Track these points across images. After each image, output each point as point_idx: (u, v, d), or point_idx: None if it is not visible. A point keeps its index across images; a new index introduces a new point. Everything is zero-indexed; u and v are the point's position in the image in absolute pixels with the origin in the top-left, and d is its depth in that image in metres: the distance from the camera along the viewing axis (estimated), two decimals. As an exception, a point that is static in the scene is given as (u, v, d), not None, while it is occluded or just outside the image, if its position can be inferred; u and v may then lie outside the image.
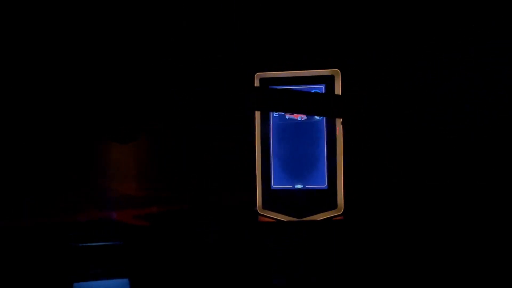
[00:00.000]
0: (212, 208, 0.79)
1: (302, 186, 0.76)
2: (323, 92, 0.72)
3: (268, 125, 0.77)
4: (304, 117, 0.72)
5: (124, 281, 0.70)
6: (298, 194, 0.75)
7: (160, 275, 0.73)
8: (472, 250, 0.94)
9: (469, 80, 1.01)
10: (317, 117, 0.73)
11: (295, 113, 0.70)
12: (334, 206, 0.76)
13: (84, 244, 0.73)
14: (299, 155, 0.76)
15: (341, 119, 0.71)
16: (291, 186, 0.76)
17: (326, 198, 0.75)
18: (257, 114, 0.76)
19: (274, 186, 0.77)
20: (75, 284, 0.72)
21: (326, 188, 0.76)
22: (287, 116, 0.74)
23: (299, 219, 0.74)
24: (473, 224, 0.96)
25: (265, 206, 0.75)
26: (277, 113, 0.74)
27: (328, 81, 0.75)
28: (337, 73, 0.76)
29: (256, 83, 0.75)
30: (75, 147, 0.99)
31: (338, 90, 0.72)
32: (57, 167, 0.96)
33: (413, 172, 1.03)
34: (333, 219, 0.74)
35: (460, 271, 0.92)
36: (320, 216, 0.74)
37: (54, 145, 1.00)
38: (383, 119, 1.06)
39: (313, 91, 0.74)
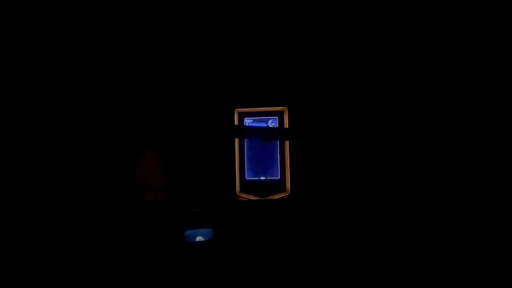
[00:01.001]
0: (205, 193, 1.11)
1: (264, 178, 1.13)
2: (277, 121, 1.13)
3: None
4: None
5: (209, 230, 1.04)
6: (262, 183, 1.13)
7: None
8: (467, 249, 0.94)
9: (469, 80, 1.01)
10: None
11: (259, 139, 1.13)
12: (284, 190, 1.12)
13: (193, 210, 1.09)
14: (263, 157, 1.14)
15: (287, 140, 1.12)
16: (258, 178, 1.13)
17: (279, 185, 1.12)
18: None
19: (247, 178, 1.13)
20: (186, 231, 1.03)
21: (279, 179, 1.12)
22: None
23: (263, 198, 1.11)
24: (471, 224, 0.96)
25: (241, 190, 1.12)
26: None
27: (280, 114, 1.13)
28: (285, 110, 1.13)
29: (236, 116, 1.13)
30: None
31: (286, 120, 1.13)
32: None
33: (412, 172, 1.03)
34: (283, 197, 1.11)
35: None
36: (275, 196, 1.11)
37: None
38: (384, 119, 1.07)
39: (270, 120, 1.14)
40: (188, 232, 1.03)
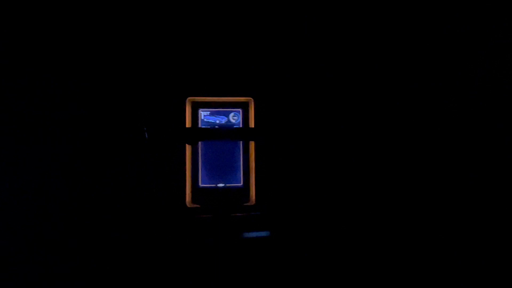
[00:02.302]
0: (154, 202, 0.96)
1: (223, 185, 0.93)
2: (241, 114, 0.93)
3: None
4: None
5: (267, 232, 0.92)
6: (220, 191, 0.93)
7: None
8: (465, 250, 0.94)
9: (469, 80, 1.01)
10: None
11: (222, 140, 0.91)
12: (247, 199, 0.93)
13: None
14: (222, 159, 0.93)
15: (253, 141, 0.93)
16: (215, 185, 0.92)
17: (241, 194, 0.93)
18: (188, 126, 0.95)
19: (201, 185, 0.92)
20: (244, 234, 0.92)
21: (242, 186, 0.93)
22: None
23: (223, 211, 0.92)
24: (471, 224, 0.96)
25: (193, 201, 0.93)
26: (204, 125, 0.94)
27: (244, 106, 0.93)
28: (251, 100, 0.93)
29: (188, 106, 0.90)
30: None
31: (251, 113, 0.92)
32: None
33: (411, 172, 1.03)
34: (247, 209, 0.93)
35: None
36: (236, 207, 0.94)
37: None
38: (382, 119, 1.06)
39: (232, 113, 0.92)
40: (247, 235, 0.91)
